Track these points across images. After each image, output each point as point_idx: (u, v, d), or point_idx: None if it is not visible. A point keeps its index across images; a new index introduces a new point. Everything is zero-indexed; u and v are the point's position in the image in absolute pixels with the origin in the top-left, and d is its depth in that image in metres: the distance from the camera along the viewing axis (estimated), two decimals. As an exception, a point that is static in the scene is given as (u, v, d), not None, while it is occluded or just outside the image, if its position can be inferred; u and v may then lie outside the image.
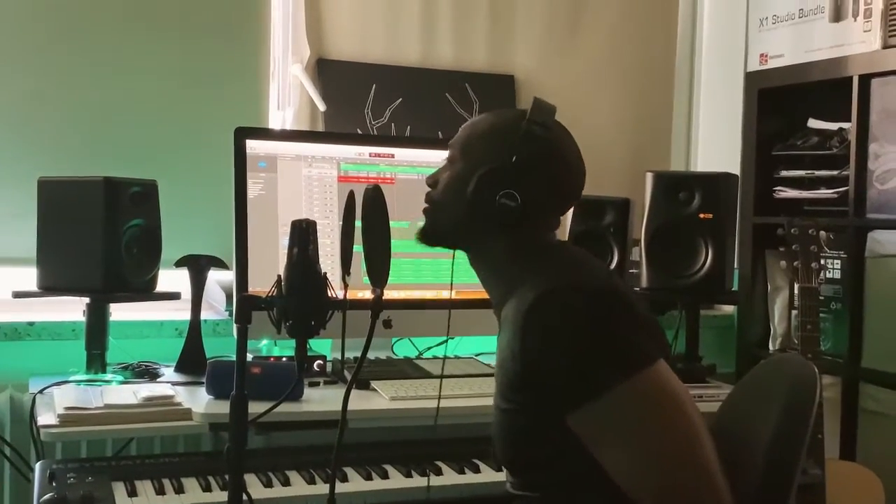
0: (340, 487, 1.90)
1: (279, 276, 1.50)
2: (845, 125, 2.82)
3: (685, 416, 1.41)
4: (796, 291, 2.57)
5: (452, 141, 1.67)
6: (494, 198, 1.55)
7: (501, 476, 1.99)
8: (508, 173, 1.55)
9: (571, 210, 2.72)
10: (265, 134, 2.54)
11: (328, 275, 1.53)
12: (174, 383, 2.24)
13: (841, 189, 2.78)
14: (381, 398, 2.17)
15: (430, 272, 2.51)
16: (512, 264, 1.59)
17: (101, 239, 2.23)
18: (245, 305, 1.51)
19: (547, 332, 1.43)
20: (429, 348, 2.71)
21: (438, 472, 2.03)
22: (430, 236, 1.68)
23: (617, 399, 1.38)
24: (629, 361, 1.39)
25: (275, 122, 2.95)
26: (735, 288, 2.89)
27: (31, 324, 2.47)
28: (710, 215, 2.63)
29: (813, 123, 2.97)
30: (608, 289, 1.49)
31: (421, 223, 1.69)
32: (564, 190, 1.63)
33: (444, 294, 2.51)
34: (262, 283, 2.21)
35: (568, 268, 1.56)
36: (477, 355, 2.63)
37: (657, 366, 1.41)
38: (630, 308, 1.47)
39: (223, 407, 1.56)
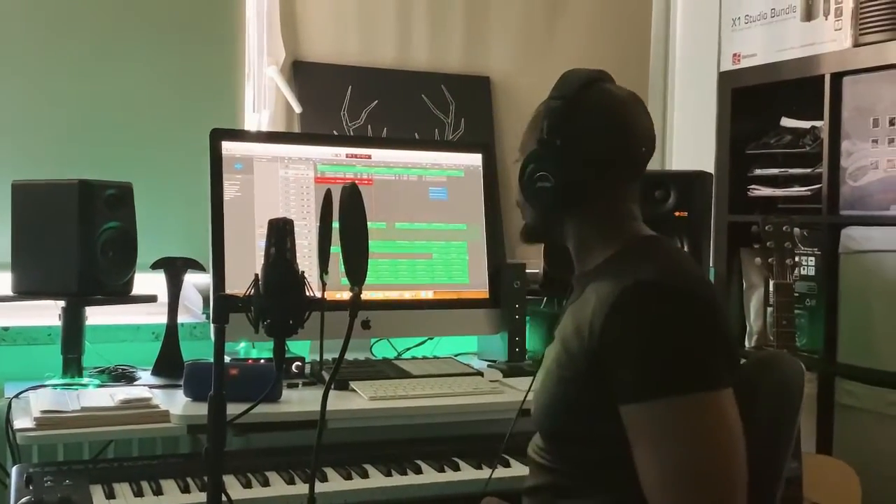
0: (320, 487, 1.89)
1: (256, 276, 1.50)
2: (818, 123, 2.85)
3: (733, 453, 1.37)
4: (771, 288, 2.59)
5: None
6: (534, 185, 1.55)
7: (481, 474, 2.00)
8: (539, 156, 1.55)
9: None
10: (241, 135, 2.54)
11: (305, 276, 1.52)
12: (151, 386, 2.23)
13: (814, 187, 2.81)
14: (361, 398, 2.17)
15: (407, 273, 2.51)
16: (592, 240, 1.58)
17: (76, 242, 2.22)
18: (223, 305, 1.51)
19: (633, 321, 1.40)
20: (408, 349, 2.71)
21: (418, 471, 2.03)
22: (525, 235, 1.69)
23: (672, 409, 1.36)
24: (699, 378, 1.37)
25: (250, 124, 2.94)
26: (711, 285, 2.91)
27: (6, 329, 2.45)
28: (686, 213, 2.65)
29: (786, 122, 3.00)
30: (704, 297, 1.45)
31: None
32: (606, 153, 1.56)
33: (423, 294, 2.51)
34: (238, 285, 2.19)
35: (669, 263, 1.52)
36: (456, 356, 2.64)
37: (723, 392, 1.38)
38: (719, 323, 1.44)
39: (201, 409, 1.56)
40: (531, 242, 1.71)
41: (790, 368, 1.62)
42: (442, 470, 2.04)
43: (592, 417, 1.46)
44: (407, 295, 2.50)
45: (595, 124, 1.56)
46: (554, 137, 1.54)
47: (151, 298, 2.42)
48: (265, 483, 1.91)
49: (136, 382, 2.30)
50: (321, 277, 1.55)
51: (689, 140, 3.54)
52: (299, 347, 2.42)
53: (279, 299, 1.48)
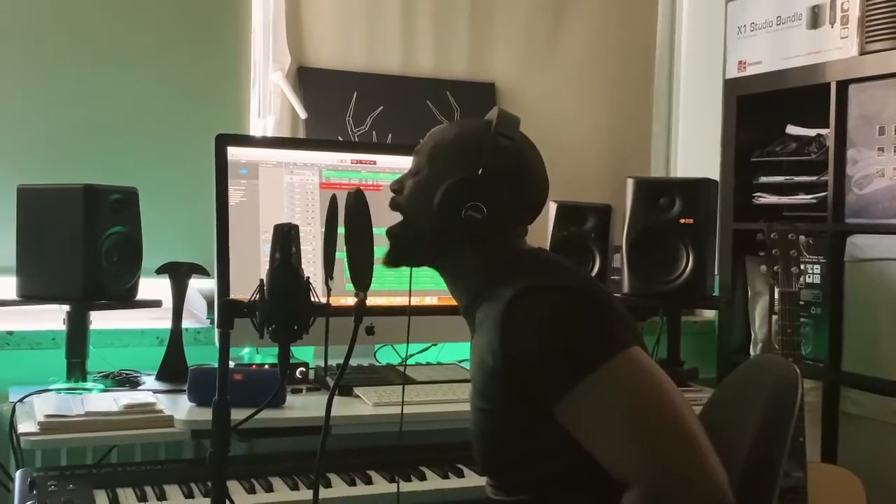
0: (324, 493, 1.90)
1: (261, 281, 1.50)
2: (823, 131, 2.84)
3: (667, 391, 1.41)
4: (776, 296, 2.58)
5: (419, 148, 1.69)
6: (461, 210, 1.55)
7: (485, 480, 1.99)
8: (475, 185, 1.56)
9: (554, 215, 2.73)
10: (246, 141, 2.53)
11: (310, 282, 1.52)
12: (155, 391, 2.23)
13: (820, 194, 2.80)
14: (365, 404, 2.17)
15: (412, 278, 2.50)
16: (481, 272, 1.59)
17: (81, 247, 2.21)
18: (227, 310, 1.50)
19: (526, 326, 1.44)
20: (411, 355, 2.70)
21: (423, 478, 2.02)
22: (396, 257, 1.67)
23: (600, 379, 1.38)
24: (608, 345, 1.41)
25: (256, 130, 2.94)
26: (716, 293, 2.91)
27: (10, 333, 2.45)
28: (691, 220, 2.65)
29: (791, 130, 3.00)
30: (584, 285, 1.51)
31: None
32: (530, 200, 1.65)
33: (428, 300, 2.51)
34: (243, 290, 2.20)
35: (543, 268, 1.58)
36: (460, 361, 2.63)
37: (632, 349, 1.42)
38: (605, 303, 1.50)
39: (205, 414, 1.55)
40: (398, 266, 1.69)
41: (783, 371, 1.61)
42: (446, 476, 2.04)
43: (531, 434, 1.47)
44: (412, 301, 2.49)
45: (528, 165, 1.63)
46: (496, 173, 1.56)
47: (156, 303, 2.42)
48: (269, 489, 1.91)
49: (140, 387, 2.30)
50: (326, 283, 1.54)
51: (694, 147, 3.53)
52: (304, 353, 2.42)
53: (284, 305, 1.48)
